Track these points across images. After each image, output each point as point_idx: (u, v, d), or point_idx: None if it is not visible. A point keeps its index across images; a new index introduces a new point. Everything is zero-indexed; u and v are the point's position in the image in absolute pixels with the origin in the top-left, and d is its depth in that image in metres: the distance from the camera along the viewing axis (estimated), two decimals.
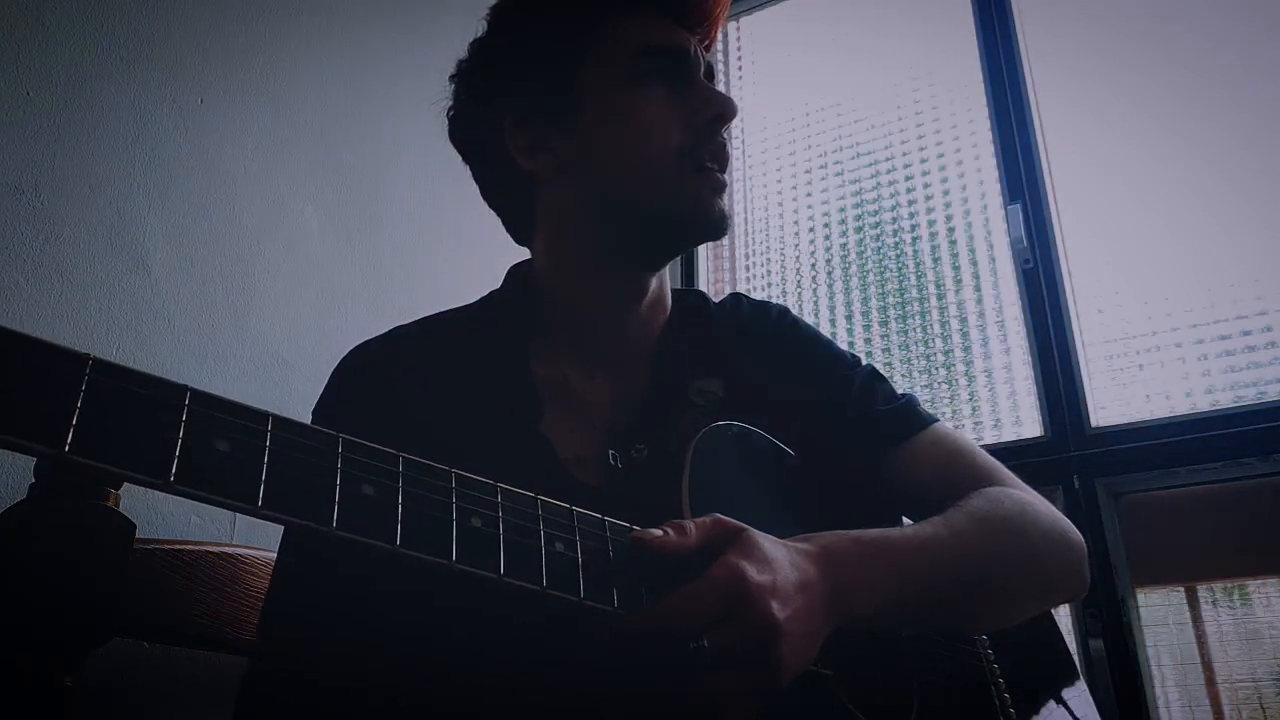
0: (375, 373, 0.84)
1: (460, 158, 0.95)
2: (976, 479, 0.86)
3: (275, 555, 1.03)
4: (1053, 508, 0.87)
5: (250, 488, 0.47)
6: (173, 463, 0.45)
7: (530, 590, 0.56)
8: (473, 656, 0.69)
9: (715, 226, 0.85)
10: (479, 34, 0.93)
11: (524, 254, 0.96)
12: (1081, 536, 0.88)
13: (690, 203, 0.83)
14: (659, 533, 0.62)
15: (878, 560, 0.70)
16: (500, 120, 0.88)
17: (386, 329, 0.90)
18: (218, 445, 0.47)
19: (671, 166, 0.83)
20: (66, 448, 0.42)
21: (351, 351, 0.87)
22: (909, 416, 0.91)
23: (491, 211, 0.97)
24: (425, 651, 0.69)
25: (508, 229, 0.96)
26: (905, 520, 0.89)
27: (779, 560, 0.62)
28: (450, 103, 0.94)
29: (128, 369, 0.46)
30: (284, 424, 0.50)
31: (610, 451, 0.82)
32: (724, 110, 0.85)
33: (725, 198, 0.86)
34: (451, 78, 0.94)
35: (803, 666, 0.62)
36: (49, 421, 0.42)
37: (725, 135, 0.87)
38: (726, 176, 0.87)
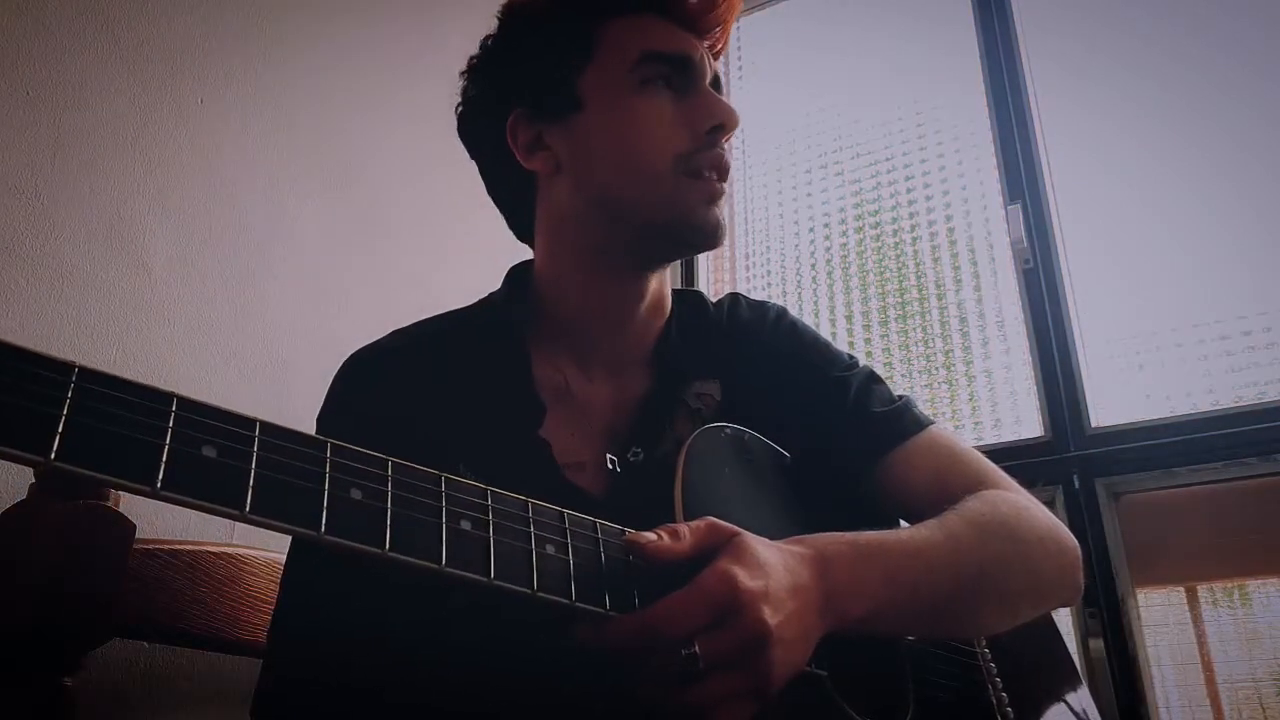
0: (376, 379, 0.84)
1: (466, 154, 0.95)
2: (972, 482, 0.85)
3: (275, 555, 1.04)
4: (1048, 512, 0.87)
5: (237, 494, 0.47)
6: (159, 469, 0.45)
7: (520, 594, 0.56)
8: (475, 654, 0.69)
9: (708, 236, 0.84)
10: (490, 32, 0.93)
11: (524, 254, 0.97)
12: (1076, 541, 0.87)
13: (683, 210, 0.82)
14: (652, 536, 0.62)
15: (872, 564, 0.69)
16: (504, 117, 0.88)
17: (387, 330, 0.90)
18: (204, 452, 0.47)
19: (666, 172, 0.82)
20: (52, 456, 0.42)
21: (351, 357, 0.87)
22: (905, 419, 0.90)
23: (492, 211, 0.97)
24: (431, 652, 0.69)
25: (510, 226, 0.97)
26: (902, 523, 0.89)
27: (771, 565, 0.62)
28: (459, 99, 0.94)
29: (114, 376, 0.46)
30: (271, 430, 0.50)
31: (607, 455, 0.82)
32: (725, 120, 0.84)
33: (722, 206, 0.84)
34: (462, 74, 0.94)
35: (795, 671, 0.62)
36: (34, 430, 0.42)
37: (725, 146, 0.85)
38: (725, 185, 0.85)
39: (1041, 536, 0.83)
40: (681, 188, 0.82)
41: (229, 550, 1.04)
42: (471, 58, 0.93)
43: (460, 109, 0.94)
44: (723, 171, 0.84)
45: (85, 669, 0.88)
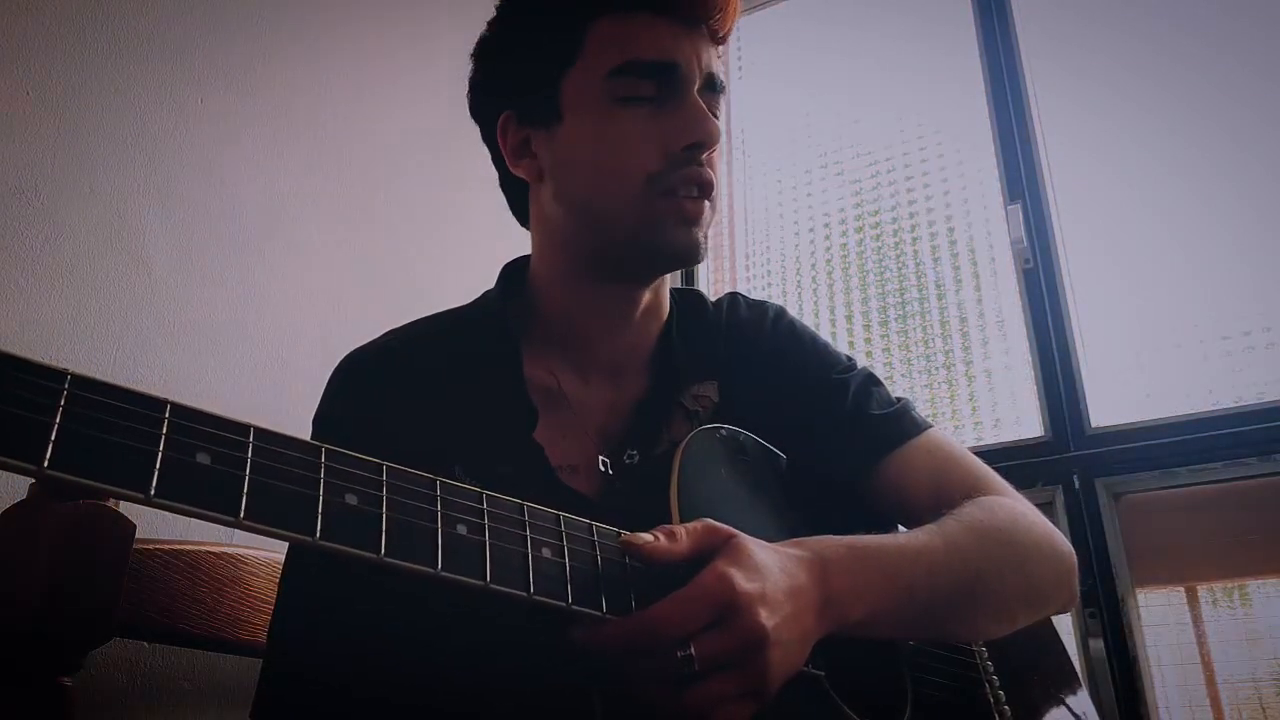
0: (371, 379, 0.84)
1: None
2: (970, 487, 0.85)
3: (275, 555, 1.04)
4: (1044, 518, 0.87)
5: (232, 500, 0.47)
6: (153, 477, 0.45)
7: (517, 597, 0.56)
8: (473, 656, 0.69)
9: (681, 257, 0.81)
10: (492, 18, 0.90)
11: (521, 250, 0.96)
12: (1072, 548, 0.87)
13: (655, 230, 0.80)
14: (649, 538, 0.62)
15: (871, 567, 0.70)
16: (496, 116, 0.88)
17: (385, 330, 0.90)
18: (198, 458, 0.47)
19: (639, 191, 0.79)
20: (45, 464, 0.42)
21: (346, 358, 0.87)
22: (904, 422, 0.90)
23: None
24: (428, 655, 0.69)
25: (514, 215, 0.95)
26: (899, 527, 0.89)
27: (769, 567, 0.62)
28: (466, 84, 0.92)
29: (108, 383, 0.45)
30: (266, 435, 0.50)
31: (601, 458, 0.82)
32: (703, 137, 0.79)
33: (702, 223, 0.81)
34: (471, 55, 0.91)
35: (792, 673, 0.62)
36: (27, 438, 0.42)
37: (703, 161, 0.80)
38: (707, 202, 0.81)
39: (1038, 543, 0.83)
40: (655, 207, 0.79)
41: (229, 550, 1.04)
42: (477, 44, 0.91)
43: (468, 96, 0.92)
44: (703, 188, 0.81)
45: (85, 669, 0.88)
